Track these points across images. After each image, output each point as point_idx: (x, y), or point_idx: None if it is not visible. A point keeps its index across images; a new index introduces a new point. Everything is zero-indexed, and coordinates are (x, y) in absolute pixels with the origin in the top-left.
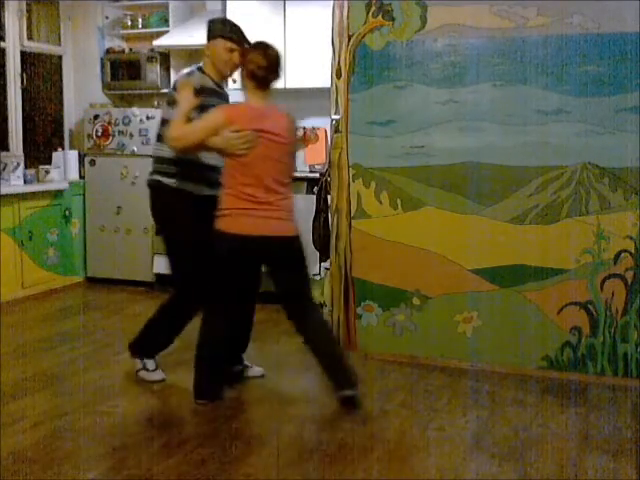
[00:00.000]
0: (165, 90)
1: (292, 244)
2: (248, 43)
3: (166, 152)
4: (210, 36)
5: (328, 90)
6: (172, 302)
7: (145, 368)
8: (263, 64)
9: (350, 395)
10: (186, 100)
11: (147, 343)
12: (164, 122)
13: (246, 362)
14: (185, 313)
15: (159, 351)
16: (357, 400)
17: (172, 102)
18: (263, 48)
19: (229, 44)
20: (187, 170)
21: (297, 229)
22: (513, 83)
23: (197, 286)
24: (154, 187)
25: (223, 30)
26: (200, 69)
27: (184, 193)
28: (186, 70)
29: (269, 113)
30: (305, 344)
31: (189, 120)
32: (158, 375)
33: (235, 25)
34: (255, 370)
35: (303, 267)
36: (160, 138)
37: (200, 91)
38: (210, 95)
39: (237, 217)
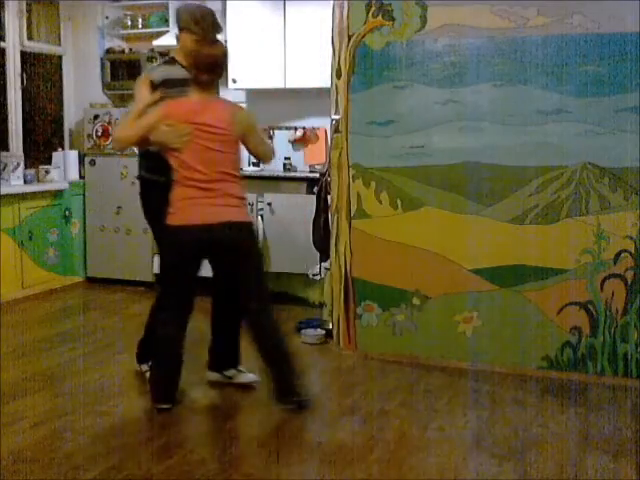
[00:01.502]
0: None
1: (241, 230)
2: (217, 31)
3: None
4: (178, 26)
5: (328, 90)
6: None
7: None
8: (202, 63)
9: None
10: (140, 99)
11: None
12: None
13: (240, 367)
14: None
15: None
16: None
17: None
18: (208, 46)
19: (194, 37)
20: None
21: (248, 217)
22: (513, 83)
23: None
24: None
25: (188, 23)
26: (172, 59)
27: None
28: (156, 63)
29: (209, 106)
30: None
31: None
32: None
33: (204, 16)
34: (248, 377)
35: (253, 260)
36: None
37: (162, 84)
38: (176, 85)
39: (186, 208)
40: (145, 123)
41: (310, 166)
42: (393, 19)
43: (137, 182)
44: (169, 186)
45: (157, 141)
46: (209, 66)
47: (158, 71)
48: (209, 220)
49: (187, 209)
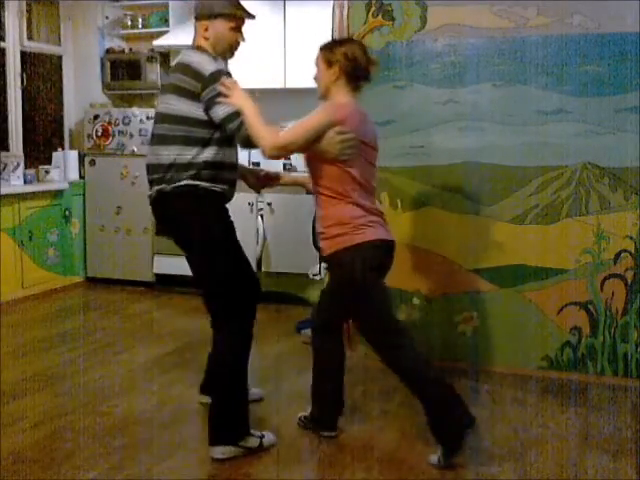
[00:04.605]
0: None
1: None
2: (251, 16)
3: (190, 156)
4: (206, 15)
5: None
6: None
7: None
8: (364, 60)
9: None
10: (245, 100)
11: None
12: (188, 120)
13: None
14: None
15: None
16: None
17: (191, 94)
18: (358, 43)
19: (233, 23)
20: (220, 172)
21: None
22: (513, 83)
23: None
24: (186, 193)
25: (225, 7)
26: (204, 51)
27: (218, 195)
28: (191, 52)
29: (365, 115)
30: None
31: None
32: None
33: None
34: (253, 393)
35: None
36: (178, 140)
37: (229, 76)
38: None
39: (370, 228)
40: (315, 129)
41: None
42: (393, 19)
43: (138, 182)
44: (224, 197)
45: (320, 149)
46: (372, 64)
47: (222, 64)
48: (389, 237)
49: (372, 226)
